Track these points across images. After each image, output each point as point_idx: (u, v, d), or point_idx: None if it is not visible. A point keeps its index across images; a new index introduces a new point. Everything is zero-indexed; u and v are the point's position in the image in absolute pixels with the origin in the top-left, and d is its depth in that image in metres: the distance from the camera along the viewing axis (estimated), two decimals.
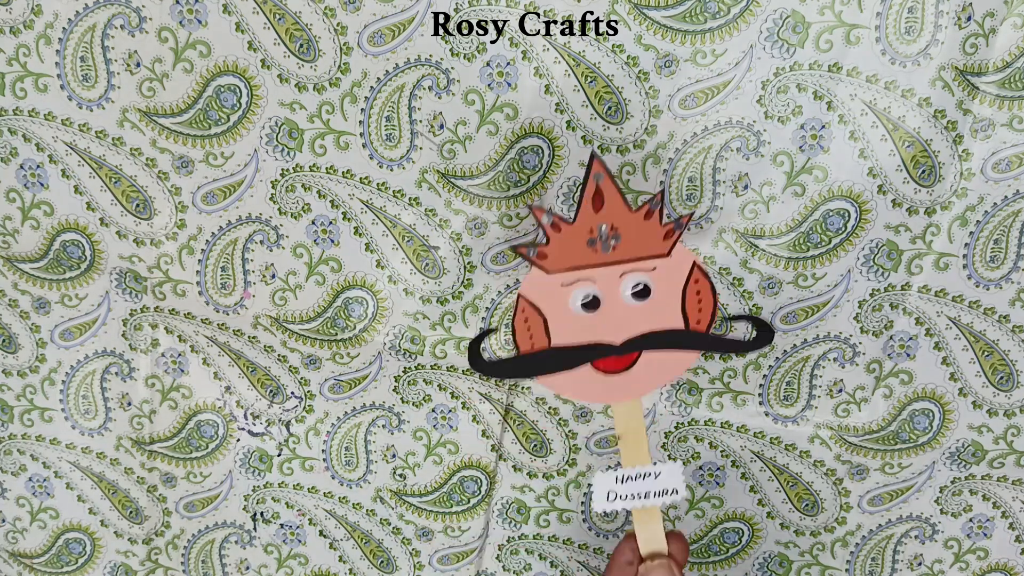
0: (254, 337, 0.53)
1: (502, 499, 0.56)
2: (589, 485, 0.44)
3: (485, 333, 0.39)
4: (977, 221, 0.47)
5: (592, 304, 0.40)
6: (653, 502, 0.42)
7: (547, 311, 0.40)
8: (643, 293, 0.40)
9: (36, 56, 0.48)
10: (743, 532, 0.55)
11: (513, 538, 0.57)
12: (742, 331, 0.46)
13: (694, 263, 0.40)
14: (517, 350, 0.40)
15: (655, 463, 0.42)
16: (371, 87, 0.47)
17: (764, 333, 0.43)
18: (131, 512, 0.59)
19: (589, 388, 0.41)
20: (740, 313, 0.43)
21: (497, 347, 0.52)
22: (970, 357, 0.50)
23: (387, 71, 0.47)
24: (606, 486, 0.42)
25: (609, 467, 0.44)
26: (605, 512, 0.46)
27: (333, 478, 0.57)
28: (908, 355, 0.50)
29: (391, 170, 0.49)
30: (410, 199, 0.50)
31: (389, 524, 0.57)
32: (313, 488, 0.57)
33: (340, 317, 0.52)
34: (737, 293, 0.49)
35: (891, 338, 0.50)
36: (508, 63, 0.46)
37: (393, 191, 0.50)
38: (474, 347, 0.40)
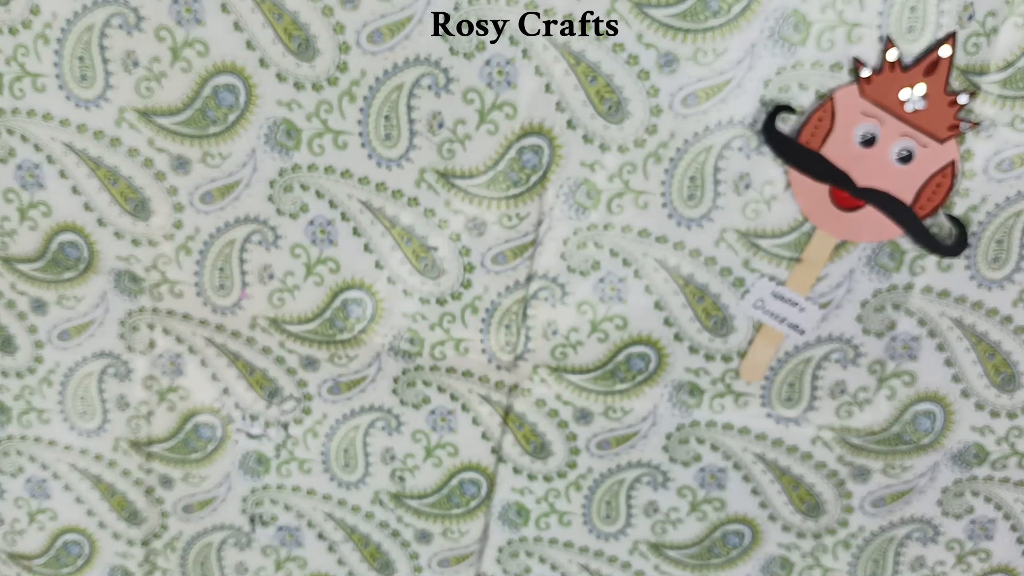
0: (252, 338, 0.53)
1: (502, 501, 0.56)
2: (746, 290, 0.49)
3: (779, 109, 0.45)
4: (980, 221, 0.47)
5: (867, 143, 0.45)
6: (782, 328, 0.48)
7: (836, 124, 0.45)
8: (904, 159, 0.45)
9: (34, 56, 0.48)
10: (745, 534, 0.55)
11: (513, 540, 0.57)
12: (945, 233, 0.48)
13: (953, 161, 0.45)
14: (798, 135, 0.46)
15: (807, 299, 0.48)
16: (370, 86, 0.47)
17: (958, 245, 0.47)
18: (129, 514, 0.58)
19: (816, 206, 0.46)
20: (955, 216, 0.46)
21: (497, 347, 0.52)
22: (973, 358, 0.49)
23: (386, 70, 0.47)
24: (760, 293, 0.48)
25: (774, 279, 0.48)
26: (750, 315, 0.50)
27: (332, 480, 0.56)
28: (911, 356, 0.50)
29: (389, 169, 0.49)
30: (409, 199, 0.49)
31: (388, 527, 0.57)
32: (311, 490, 0.57)
33: (338, 318, 0.52)
34: (739, 293, 0.49)
35: (894, 339, 0.49)
36: (508, 61, 0.46)
37: (392, 191, 0.49)
38: (771, 116, 0.45)
